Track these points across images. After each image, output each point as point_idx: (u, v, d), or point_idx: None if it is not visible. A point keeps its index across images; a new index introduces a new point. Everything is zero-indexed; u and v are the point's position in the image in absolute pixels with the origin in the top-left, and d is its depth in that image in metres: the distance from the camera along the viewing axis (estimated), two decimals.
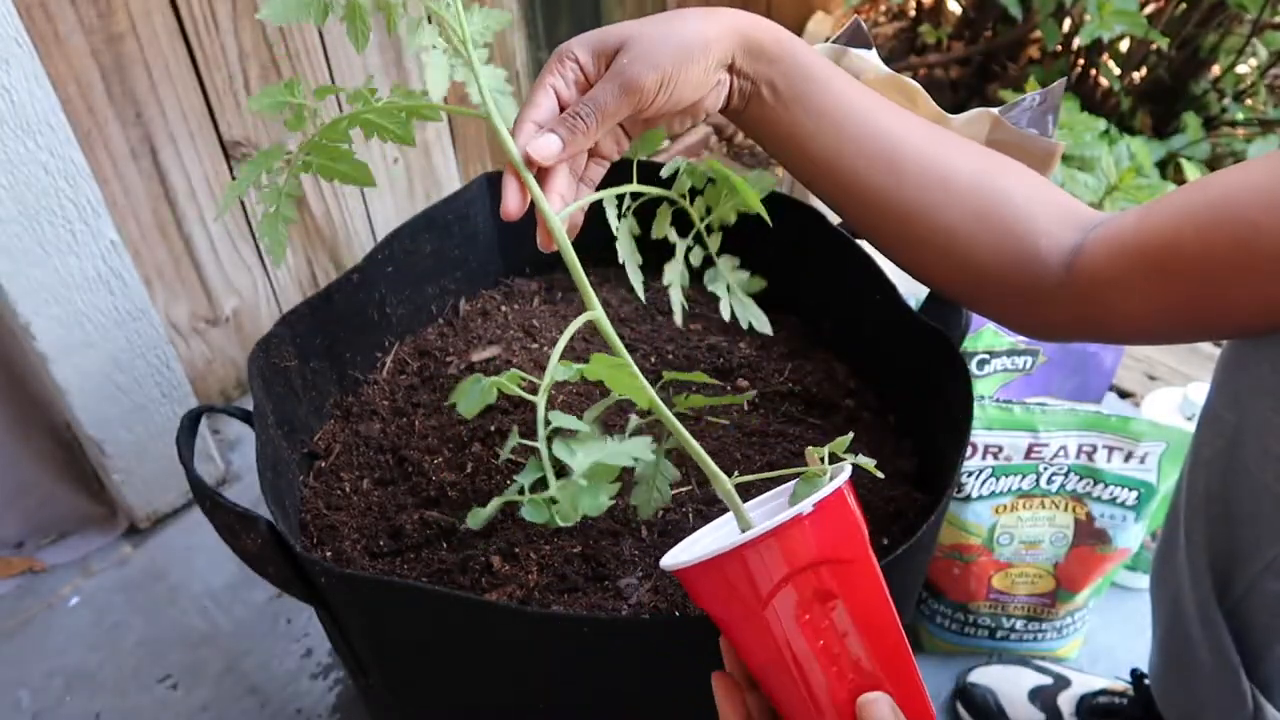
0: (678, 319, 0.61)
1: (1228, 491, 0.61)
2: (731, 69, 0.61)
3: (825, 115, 0.61)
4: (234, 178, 1.20)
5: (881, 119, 0.62)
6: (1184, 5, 1.65)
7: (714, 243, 0.63)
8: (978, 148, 0.63)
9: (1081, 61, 1.75)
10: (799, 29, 2.00)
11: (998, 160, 0.62)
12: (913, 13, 2.05)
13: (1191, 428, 0.79)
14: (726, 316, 0.63)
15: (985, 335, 1.00)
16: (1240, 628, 0.63)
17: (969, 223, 0.60)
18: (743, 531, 0.54)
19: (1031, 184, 0.61)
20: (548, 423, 0.49)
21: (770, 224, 0.64)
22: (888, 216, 0.62)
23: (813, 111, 0.61)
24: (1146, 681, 0.85)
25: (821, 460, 0.53)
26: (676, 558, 0.52)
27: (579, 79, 0.59)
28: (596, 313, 0.53)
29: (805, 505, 0.47)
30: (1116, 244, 0.56)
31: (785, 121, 0.62)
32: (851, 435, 0.55)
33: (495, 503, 0.47)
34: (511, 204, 0.55)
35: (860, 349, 0.88)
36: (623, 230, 0.59)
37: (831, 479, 0.51)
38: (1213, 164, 1.65)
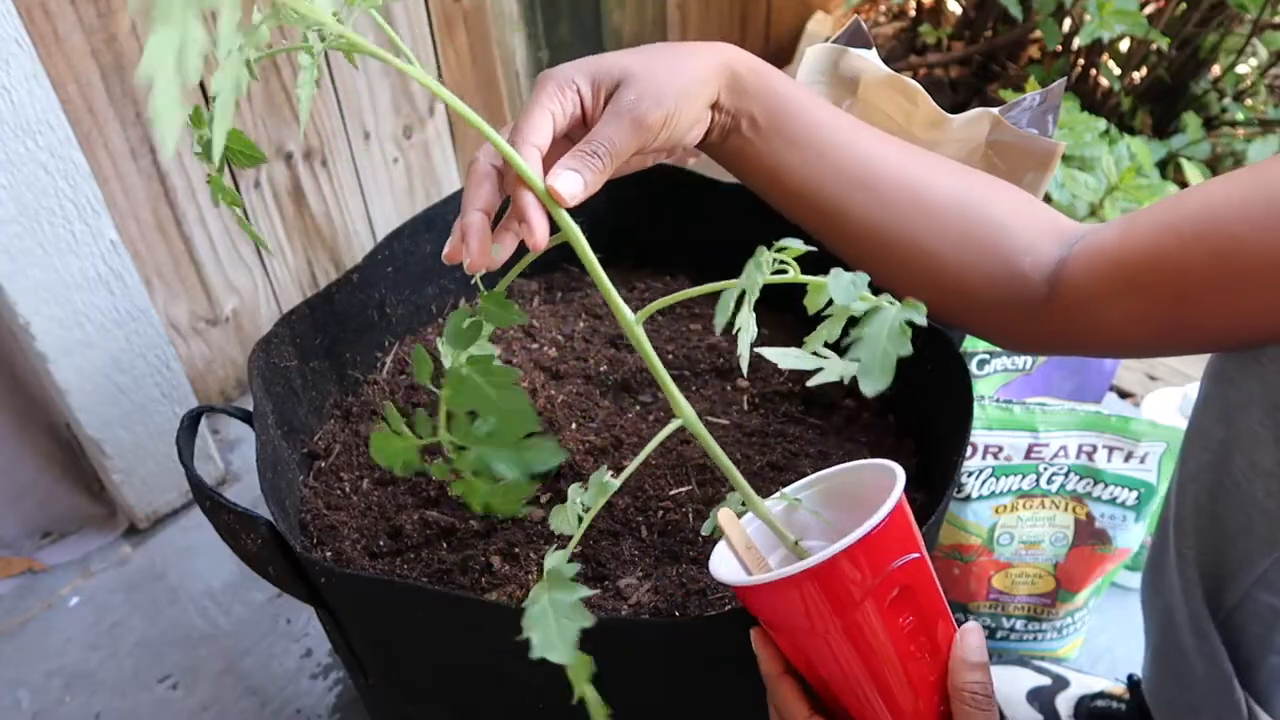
0: (744, 366, 0.51)
1: (1216, 505, 0.60)
2: (714, 105, 0.61)
3: (804, 145, 0.61)
4: (234, 177, 1.20)
5: (860, 144, 0.61)
6: (1184, 5, 1.65)
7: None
8: (958, 166, 0.63)
9: (1081, 61, 1.75)
10: (799, 29, 2.00)
11: (978, 179, 0.62)
12: (913, 13, 2.05)
13: None
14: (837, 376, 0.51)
15: None
16: (1233, 638, 0.63)
17: (951, 244, 0.60)
18: (795, 542, 0.53)
19: (1013, 201, 0.61)
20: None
21: None
22: (869, 242, 0.62)
23: (791, 142, 0.61)
24: (1142, 685, 0.85)
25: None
26: (734, 572, 0.52)
27: (576, 110, 0.58)
28: (629, 317, 0.51)
29: (882, 513, 0.47)
30: (1099, 258, 0.56)
31: (765, 154, 0.62)
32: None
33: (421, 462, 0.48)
34: (541, 234, 0.52)
35: None
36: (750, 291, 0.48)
37: (889, 477, 0.51)
38: (1213, 164, 1.65)
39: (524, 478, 0.45)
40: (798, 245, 0.47)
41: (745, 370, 0.48)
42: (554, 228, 0.52)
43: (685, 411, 0.50)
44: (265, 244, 0.60)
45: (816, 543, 0.55)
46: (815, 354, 0.50)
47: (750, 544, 0.54)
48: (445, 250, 0.56)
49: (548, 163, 0.54)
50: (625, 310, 0.50)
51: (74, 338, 1.02)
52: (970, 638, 0.51)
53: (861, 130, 0.62)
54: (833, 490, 0.56)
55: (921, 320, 0.42)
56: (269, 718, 0.99)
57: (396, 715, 0.82)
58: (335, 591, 0.65)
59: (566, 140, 0.58)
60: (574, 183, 0.53)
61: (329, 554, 0.74)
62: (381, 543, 0.74)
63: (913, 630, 0.49)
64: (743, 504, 0.54)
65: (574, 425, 0.80)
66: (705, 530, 0.54)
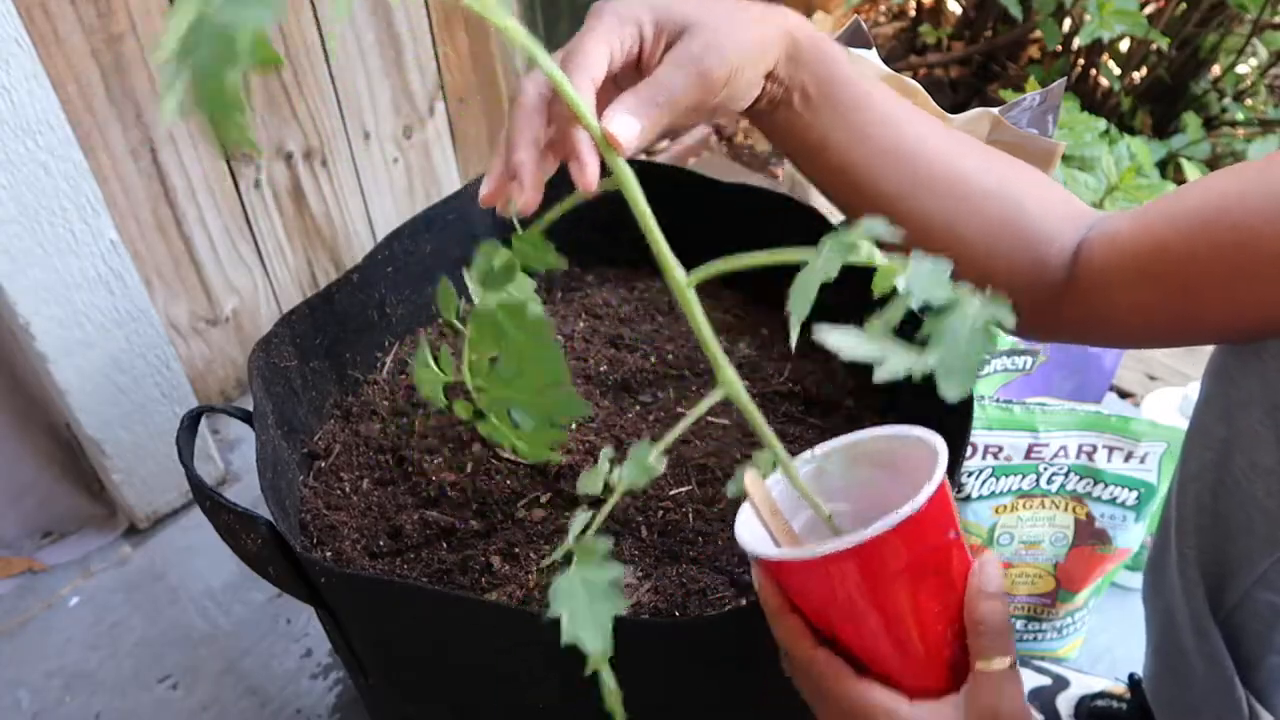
0: (792, 339, 0.46)
1: (1217, 504, 0.60)
2: (770, 74, 0.59)
3: (853, 122, 0.60)
4: (234, 177, 1.20)
5: (906, 127, 0.61)
6: (1184, 5, 1.65)
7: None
8: (993, 154, 0.63)
9: (1081, 61, 1.75)
10: None
11: (1004, 163, 0.62)
12: (913, 13, 2.05)
13: None
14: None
15: None
16: (1233, 636, 0.63)
17: (983, 233, 0.60)
18: (829, 516, 0.51)
19: (1036, 187, 0.61)
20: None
21: None
22: (904, 225, 0.61)
23: (840, 118, 0.60)
24: (1143, 683, 0.85)
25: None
26: (762, 542, 0.50)
27: (634, 49, 0.54)
28: (681, 278, 0.46)
29: (926, 492, 0.45)
30: (1110, 247, 0.56)
31: (812, 127, 0.60)
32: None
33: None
34: (593, 174, 0.48)
35: None
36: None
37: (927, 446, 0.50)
38: (1213, 164, 1.65)
39: (544, 426, 0.42)
40: (879, 229, 0.43)
41: (793, 344, 0.45)
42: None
43: (730, 379, 0.47)
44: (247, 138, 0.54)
45: (842, 506, 0.53)
46: (881, 341, 0.46)
47: (775, 508, 0.52)
48: (484, 190, 0.53)
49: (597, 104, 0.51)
50: (678, 270, 0.46)
51: (74, 338, 1.02)
52: (988, 569, 0.49)
53: (906, 110, 0.61)
54: (863, 457, 0.54)
55: (1010, 321, 0.39)
56: (269, 718, 0.99)
57: (396, 715, 0.82)
58: (335, 591, 0.65)
59: (612, 84, 0.55)
60: (631, 128, 0.50)
61: (329, 554, 0.74)
62: (381, 543, 0.74)
63: (942, 606, 0.48)
64: (772, 465, 0.52)
65: (574, 425, 0.80)
66: (730, 492, 0.52)
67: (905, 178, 0.60)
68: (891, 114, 0.61)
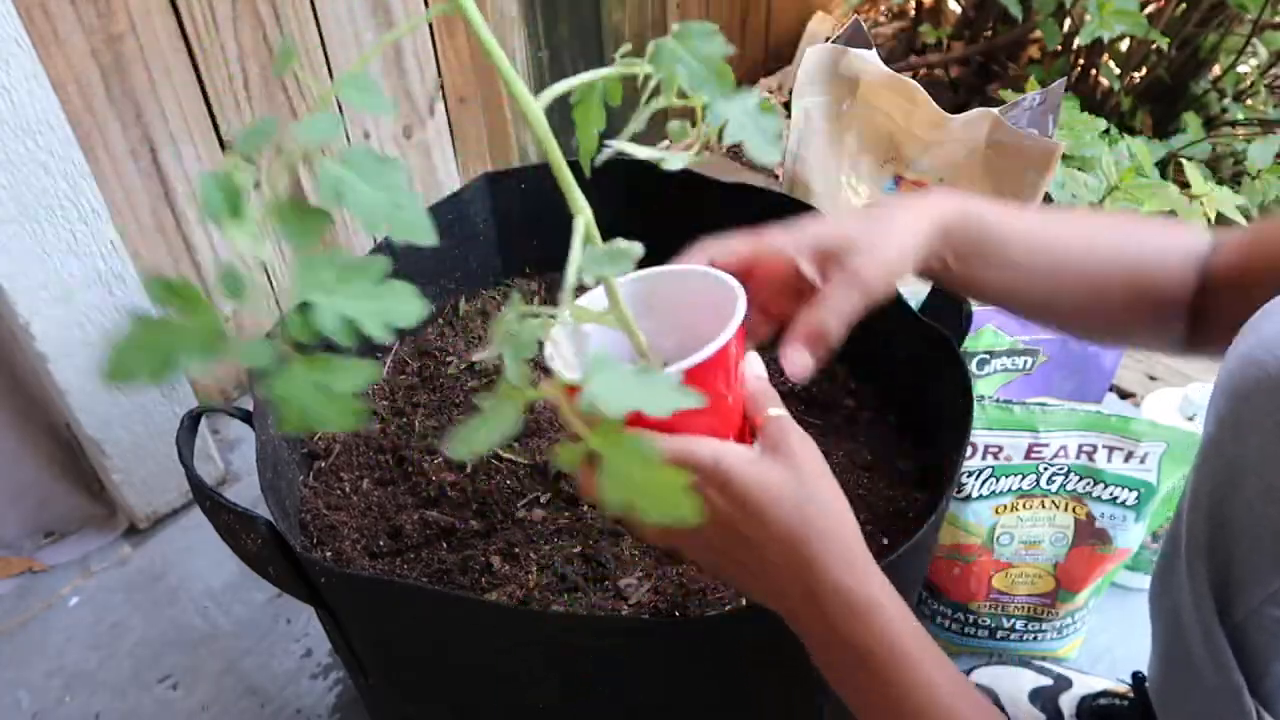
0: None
1: (1229, 522, 0.60)
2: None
3: (999, 266, 0.66)
4: None
5: (1046, 244, 0.67)
6: (1184, 5, 1.65)
7: None
8: (1117, 225, 0.71)
9: (1081, 61, 1.75)
10: (799, 29, 2.00)
11: (1133, 232, 0.69)
12: (913, 13, 2.05)
13: (1191, 428, 0.79)
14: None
15: (985, 335, 1.00)
16: (1239, 645, 0.63)
17: (1121, 304, 0.68)
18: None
19: (1160, 242, 0.68)
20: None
21: None
22: (1050, 316, 0.71)
23: (985, 265, 0.66)
24: (1147, 685, 0.84)
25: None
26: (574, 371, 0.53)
27: (784, 265, 0.61)
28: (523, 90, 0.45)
29: (723, 338, 0.51)
30: (1224, 289, 0.65)
31: (963, 279, 0.67)
32: None
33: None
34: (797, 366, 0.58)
35: (860, 349, 0.88)
36: None
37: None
38: (1213, 164, 1.65)
39: (385, 333, 0.34)
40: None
41: (586, 170, 0.50)
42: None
43: (580, 207, 0.48)
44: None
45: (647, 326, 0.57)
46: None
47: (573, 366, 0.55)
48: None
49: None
50: (520, 85, 0.44)
51: (74, 338, 1.02)
52: (756, 365, 0.58)
53: (1047, 229, 0.68)
54: (666, 288, 0.58)
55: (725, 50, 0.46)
56: (269, 718, 0.99)
57: (396, 715, 0.82)
58: (335, 591, 0.65)
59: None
60: (805, 363, 0.58)
61: (329, 554, 0.74)
62: (381, 543, 0.74)
63: (728, 395, 0.54)
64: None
65: None
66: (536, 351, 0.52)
67: (1048, 287, 0.68)
68: (1030, 237, 0.67)
